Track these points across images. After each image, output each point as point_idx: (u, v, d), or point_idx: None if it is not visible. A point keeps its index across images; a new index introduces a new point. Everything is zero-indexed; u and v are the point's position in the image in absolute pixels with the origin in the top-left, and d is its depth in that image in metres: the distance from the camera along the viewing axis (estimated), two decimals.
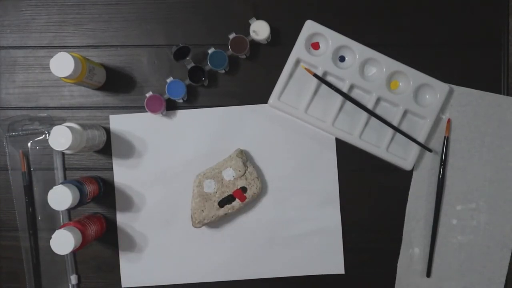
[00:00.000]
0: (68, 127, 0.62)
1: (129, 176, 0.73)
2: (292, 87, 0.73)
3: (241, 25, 0.72)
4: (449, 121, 0.72)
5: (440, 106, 0.72)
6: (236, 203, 0.70)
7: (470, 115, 0.73)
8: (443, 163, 0.72)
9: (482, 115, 0.73)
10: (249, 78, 0.74)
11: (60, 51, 0.63)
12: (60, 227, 0.63)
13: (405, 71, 0.71)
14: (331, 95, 0.72)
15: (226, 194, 0.70)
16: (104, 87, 0.74)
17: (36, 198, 0.73)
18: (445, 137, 0.72)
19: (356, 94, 0.73)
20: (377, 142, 0.72)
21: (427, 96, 0.73)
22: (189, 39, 0.73)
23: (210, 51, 0.71)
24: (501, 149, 0.73)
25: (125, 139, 0.73)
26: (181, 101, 0.73)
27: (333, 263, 0.73)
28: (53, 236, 0.62)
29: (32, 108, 0.74)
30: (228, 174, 0.70)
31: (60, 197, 0.62)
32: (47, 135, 0.73)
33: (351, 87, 0.72)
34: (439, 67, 0.73)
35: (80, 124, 0.65)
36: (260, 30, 0.70)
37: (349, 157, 0.73)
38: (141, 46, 0.74)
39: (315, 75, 0.71)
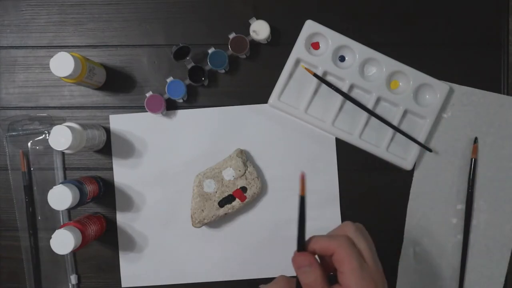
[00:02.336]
0: (68, 126, 0.62)
1: (129, 176, 0.73)
2: (292, 87, 0.73)
3: (241, 25, 0.72)
4: (475, 146, 0.72)
5: (440, 106, 0.72)
6: (236, 203, 0.70)
7: (472, 114, 0.73)
8: (471, 183, 0.72)
9: (483, 114, 0.73)
10: (249, 78, 0.74)
11: (60, 51, 0.63)
12: (60, 227, 0.63)
13: (405, 71, 0.71)
14: (331, 95, 0.72)
15: (226, 194, 0.70)
16: (104, 87, 0.74)
17: (36, 198, 0.73)
18: (471, 159, 0.72)
19: (356, 94, 0.73)
20: (377, 142, 0.72)
21: (427, 96, 0.73)
22: (189, 39, 0.73)
23: (210, 51, 0.71)
24: (502, 149, 0.73)
25: (125, 139, 0.73)
26: (181, 101, 0.73)
27: None
28: (53, 236, 0.62)
29: (32, 108, 0.74)
30: (228, 174, 0.70)
31: (60, 197, 0.62)
32: (47, 135, 0.73)
33: (351, 87, 0.72)
34: (439, 67, 0.73)
35: (80, 124, 0.65)
36: (260, 30, 0.70)
37: (349, 157, 0.73)
38: (141, 46, 0.74)
39: (315, 75, 0.71)
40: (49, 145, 0.62)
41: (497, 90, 0.73)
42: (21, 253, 0.73)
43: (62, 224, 0.71)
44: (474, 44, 0.74)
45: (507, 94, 0.73)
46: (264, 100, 0.73)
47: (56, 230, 0.62)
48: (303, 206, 0.52)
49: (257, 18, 0.70)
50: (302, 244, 0.53)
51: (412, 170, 0.73)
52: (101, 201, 0.73)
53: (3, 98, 0.74)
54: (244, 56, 0.73)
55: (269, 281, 0.73)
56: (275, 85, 0.72)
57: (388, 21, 0.74)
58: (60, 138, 0.61)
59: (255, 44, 0.73)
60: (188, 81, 0.71)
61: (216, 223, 0.72)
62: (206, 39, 0.73)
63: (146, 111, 0.71)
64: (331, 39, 0.71)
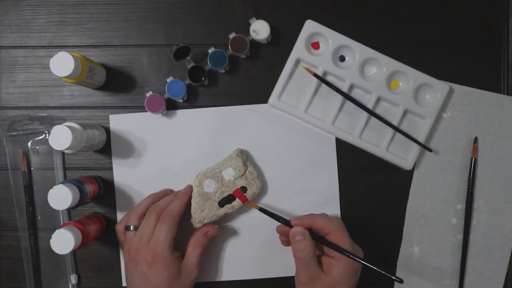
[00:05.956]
0: (68, 126, 0.62)
1: (129, 176, 0.73)
2: (292, 86, 0.73)
3: (241, 24, 0.72)
4: (475, 146, 0.72)
5: (440, 106, 0.72)
6: (236, 202, 0.70)
7: (472, 114, 0.73)
8: (471, 183, 0.72)
9: (483, 114, 0.73)
10: (249, 78, 0.74)
11: (60, 51, 0.63)
12: (60, 227, 0.63)
13: (405, 70, 0.71)
14: (331, 95, 0.72)
15: (226, 194, 0.70)
16: (104, 87, 0.74)
17: (36, 198, 0.73)
18: (471, 159, 0.72)
19: (356, 93, 0.73)
20: (377, 142, 0.72)
21: (427, 96, 0.73)
22: (189, 39, 0.73)
23: (210, 50, 0.71)
24: (502, 149, 0.73)
25: (125, 138, 0.73)
26: (181, 100, 0.73)
27: None
28: (53, 235, 0.62)
29: (32, 107, 0.74)
30: (228, 174, 0.70)
31: (60, 197, 0.62)
32: (47, 134, 0.73)
33: (351, 86, 0.72)
34: (439, 67, 0.73)
35: (80, 124, 0.65)
36: (260, 29, 0.70)
37: (349, 157, 0.73)
38: (141, 46, 0.74)
39: (315, 75, 0.71)
40: (49, 145, 0.62)
41: (497, 90, 0.73)
42: (21, 253, 0.73)
43: (62, 224, 0.71)
44: (474, 44, 0.74)
45: (507, 94, 0.73)
46: (264, 100, 0.73)
47: (56, 230, 0.62)
48: (266, 211, 0.66)
49: (257, 18, 0.70)
50: (289, 223, 0.65)
51: (412, 170, 0.73)
52: (101, 201, 0.73)
53: (3, 98, 0.74)
54: (244, 56, 0.73)
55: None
56: (275, 85, 0.72)
57: (388, 21, 0.74)
58: (60, 138, 0.61)
59: (255, 44, 0.73)
60: (188, 81, 0.71)
61: (216, 223, 0.72)
62: (206, 39, 0.73)
63: (146, 111, 0.71)
64: (331, 39, 0.71)
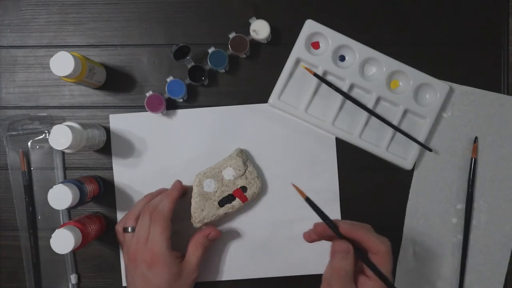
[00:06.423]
0: (68, 126, 0.62)
1: (129, 176, 0.73)
2: (292, 86, 0.73)
3: (241, 24, 0.72)
4: (476, 145, 0.72)
5: (440, 106, 0.72)
6: (236, 202, 0.70)
7: (472, 114, 0.73)
8: (471, 182, 0.72)
9: (483, 114, 0.73)
10: (249, 78, 0.74)
11: (60, 51, 0.63)
12: (60, 227, 0.63)
13: (405, 70, 0.71)
14: (331, 94, 0.72)
15: (226, 194, 0.70)
16: (104, 87, 0.74)
17: (36, 197, 0.73)
18: (472, 158, 0.72)
19: (356, 93, 0.73)
20: (377, 142, 0.72)
21: (427, 96, 0.73)
22: (189, 39, 0.73)
23: (210, 50, 0.71)
24: (502, 149, 0.73)
25: (125, 138, 0.73)
26: (181, 100, 0.73)
27: None
28: (53, 235, 0.62)
29: (32, 107, 0.74)
30: (228, 174, 0.70)
31: (60, 197, 0.62)
32: (47, 134, 0.73)
33: (351, 86, 0.72)
34: (439, 67, 0.73)
35: (80, 124, 0.65)
36: (260, 29, 0.70)
37: (349, 157, 0.73)
38: (141, 46, 0.74)
39: (315, 75, 0.71)
40: (49, 145, 0.62)
41: (497, 90, 0.73)
42: (21, 253, 0.73)
43: (62, 223, 0.71)
44: (474, 44, 0.74)
45: (507, 94, 0.73)
46: (264, 100, 0.73)
47: (56, 230, 0.62)
48: (313, 204, 0.58)
49: (257, 18, 0.70)
50: (338, 231, 0.57)
51: (412, 170, 0.73)
52: (101, 200, 0.73)
53: (3, 97, 0.74)
54: (244, 56, 0.73)
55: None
56: (275, 84, 0.72)
57: (388, 21, 0.74)
58: (60, 137, 0.61)
59: (255, 43, 0.73)
60: (188, 81, 0.71)
61: (216, 222, 0.72)
62: (206, 39, 0.73)
63: (146, 111, 0.71)
64: (331, 38, 0.71)
